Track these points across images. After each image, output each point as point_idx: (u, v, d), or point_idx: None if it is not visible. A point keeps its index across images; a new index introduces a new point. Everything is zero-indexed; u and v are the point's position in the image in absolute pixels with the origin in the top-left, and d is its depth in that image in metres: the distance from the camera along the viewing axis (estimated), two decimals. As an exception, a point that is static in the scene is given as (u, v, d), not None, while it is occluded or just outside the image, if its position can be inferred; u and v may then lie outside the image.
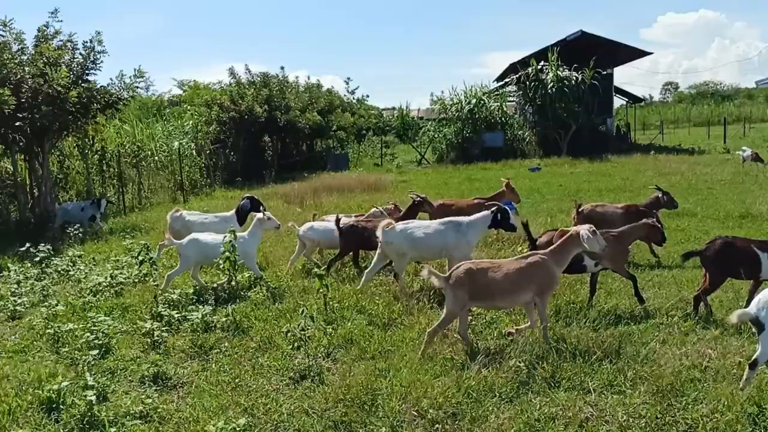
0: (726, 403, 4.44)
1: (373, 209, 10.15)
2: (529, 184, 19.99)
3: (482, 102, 33.27)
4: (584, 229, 5.92)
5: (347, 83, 46.28)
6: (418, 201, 9.62)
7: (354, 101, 45.85)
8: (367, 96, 49.48)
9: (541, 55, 31.91)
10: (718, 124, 45.02)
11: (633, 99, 44.51)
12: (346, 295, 7.67)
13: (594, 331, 6.06)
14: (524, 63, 32.51)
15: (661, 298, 7.24)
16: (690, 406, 4.52)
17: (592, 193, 17.51)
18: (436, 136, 34.19)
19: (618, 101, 44.63)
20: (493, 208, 7.92)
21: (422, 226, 7.97)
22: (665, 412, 4.48)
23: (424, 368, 5.37)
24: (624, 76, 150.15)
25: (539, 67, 31.63)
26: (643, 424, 4.38)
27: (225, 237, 8.06)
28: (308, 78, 36.65)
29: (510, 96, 36.12)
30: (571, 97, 30.49)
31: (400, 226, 7.88)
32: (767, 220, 11.97)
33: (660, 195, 10.09)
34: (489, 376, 5.10)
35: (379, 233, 7.79)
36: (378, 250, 7.98)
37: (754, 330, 4.84)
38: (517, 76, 32.98)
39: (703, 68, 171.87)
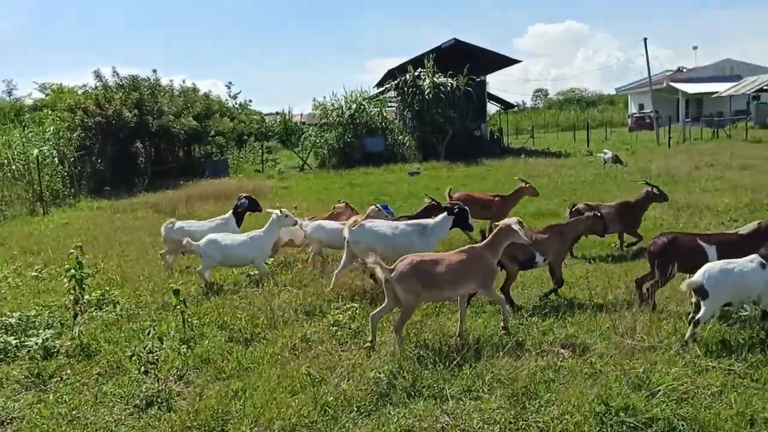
0: (575, 403, 4.52)
1: (371, 207, 9.65)
2: (408, 188, 20.23)
3: (363, 107, 33.47)
4: (513, 222, 6.26)
5: (229, 87, 45.10)
6: (432, 205, 9.49)
7: (236, 106, 44.65)
8: (250, 101, 48.46)
9: (418, 62, 32.60)
10: (583, 129, 47.94)
11: (506, 105, 46.44)
12: (206, 311, 7.25)
13: (457, 336, 6.07)
14: (402, 69, 33.10)
15: (523, 299, 7.41)
16: (542, 409, 4.56)
17: (467, 196, 17.98)
18: (317, 141, 33.97)
19: (493, 107, 46.63)
20: (454, 209, 8.05)
21: (391, 225, 8.08)
22: (519, 416, 4.49)
23: (282, 386, 5.10)
24: (498, 83, 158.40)
25: (416, 73, 32.31)
26: (497, 430, 4.36)
27: (246, 236, 8.58)
28: (183, 82, 35.28)
29: (390, 102, 36.61)
30: (447, 103, 31.43)
31: (368, 224, 7.94)
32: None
33: (650, 189, 10.18)
34: (348, 390, 4.91)
35: (346, 233, 7.83)
36: (346, 250, 7.87)
37: (692, 299, 5.83)
38: (396, 82, 33.50)
39: (570, 76, 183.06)
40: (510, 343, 5.71)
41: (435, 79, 31.83)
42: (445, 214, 8.05)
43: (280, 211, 8.77)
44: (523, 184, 11.95)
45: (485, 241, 6.40)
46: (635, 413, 4.37)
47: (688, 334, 5.66)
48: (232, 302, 7.49)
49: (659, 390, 4.67)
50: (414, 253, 6.83)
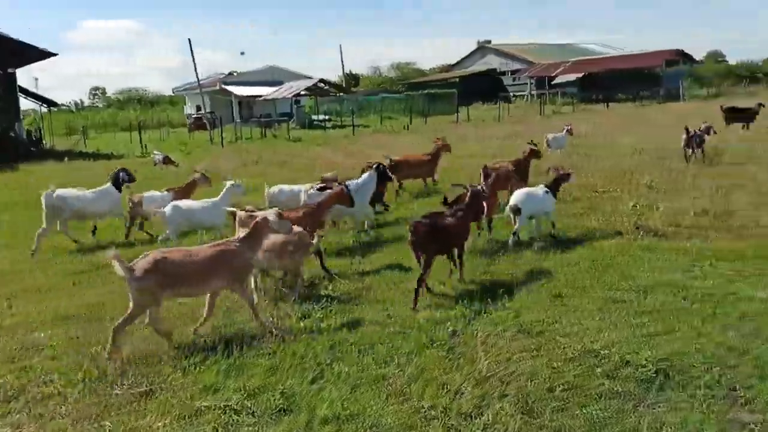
0: None
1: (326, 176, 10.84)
2: None
3: None
4: (271, 214, 6.26)
5: None
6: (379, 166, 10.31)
7: None
8: None
9: None
10: (144, 129, 46.09)
11: (48, 103, 41.34)
12: None
13: None
14: None
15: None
16: None
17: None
18: None
19: (39, 106, 40.88)
20: (375, 166, 10.12)
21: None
22: None
23: None
24: (50, 79, 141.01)
25: None
26: None
27: (204, 203, 9.43)
28: None
29: None
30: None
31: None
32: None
33: (533, 147, 11.88)
34: None
35: (303, 197, 9.19)
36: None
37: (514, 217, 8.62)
38: None
39: (131, 74, 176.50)
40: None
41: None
42: (370, 171, 9.85)
43: (235, 180, 9.90)
44: (439, 142, 13.82)
45: (242, 235, 6.23)
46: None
47: (511, 241, 8.55)
48: None
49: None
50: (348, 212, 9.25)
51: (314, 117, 48.57)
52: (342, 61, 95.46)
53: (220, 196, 9.58)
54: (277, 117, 45.61)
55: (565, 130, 18.48)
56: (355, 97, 58.43)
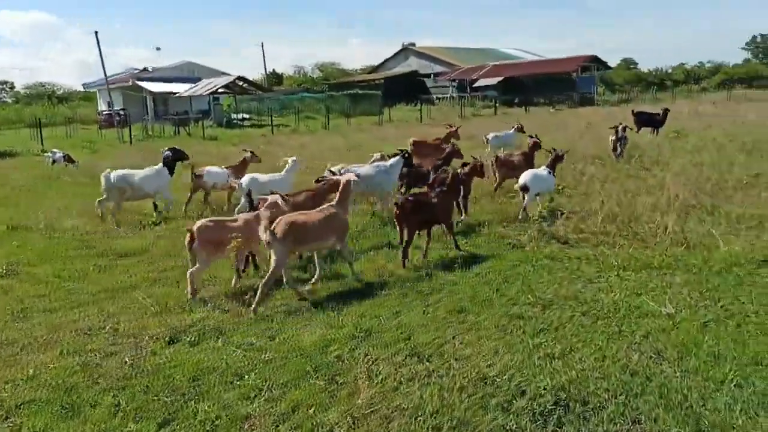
0: None
1: (375, 155, 12.18)
2: None
3: None
4: (351, 177, 7.40)
5: None
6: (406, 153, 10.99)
7: None
8: None
9: None
10: (50, 126, 43.19)
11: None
12: None
13: None
14: None
15: None
16: None
17: None
18: None
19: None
20: (404, 153, 10.83)
21: (371, 167, 10.60)
22: None
23: None
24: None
25: None
26: None
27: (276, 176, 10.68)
28: None
29: None
30: None
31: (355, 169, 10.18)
32: (40, 231, 10.52)
33: (536, 139, 12.87)
34: None
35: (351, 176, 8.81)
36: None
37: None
38: None
39: (41, 69, 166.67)
40: None
41: None
42: (398, 156, 10.62)
43: (297, 157, 11.08)
44: (452, 129, 16.21)
45: (336, 200, 7.18)
46: None
47: (521, 216, 9.64)
48: None
49: None
50: (380, 188, 10.41)
51: (233, 115, 46.95)
52: (264, 60, 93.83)
53: (285, 171, 10.78)
54: (195, 115, 43.76)
55: (513, 128, 18.32)
56: (276, 96, 57.04)
